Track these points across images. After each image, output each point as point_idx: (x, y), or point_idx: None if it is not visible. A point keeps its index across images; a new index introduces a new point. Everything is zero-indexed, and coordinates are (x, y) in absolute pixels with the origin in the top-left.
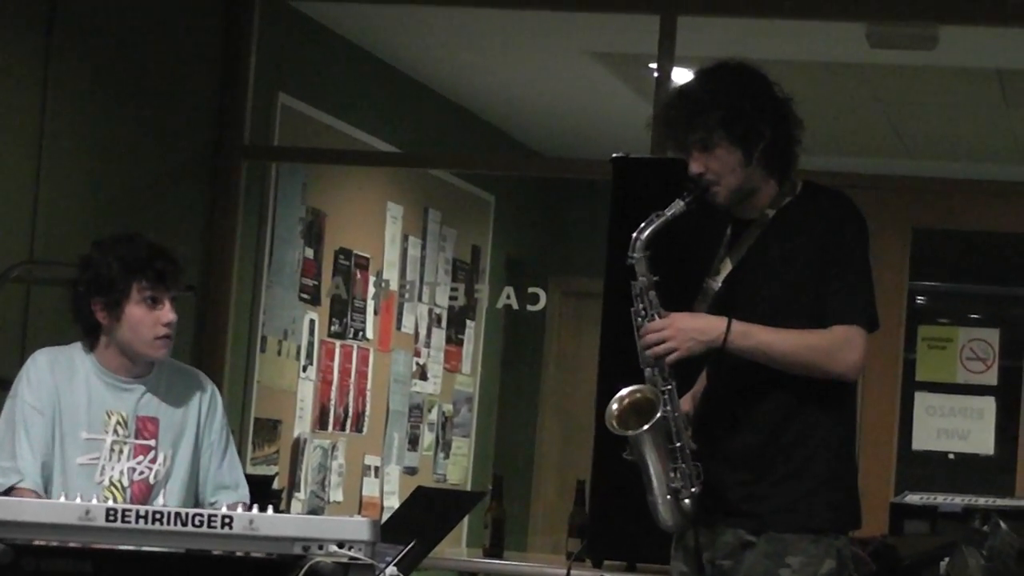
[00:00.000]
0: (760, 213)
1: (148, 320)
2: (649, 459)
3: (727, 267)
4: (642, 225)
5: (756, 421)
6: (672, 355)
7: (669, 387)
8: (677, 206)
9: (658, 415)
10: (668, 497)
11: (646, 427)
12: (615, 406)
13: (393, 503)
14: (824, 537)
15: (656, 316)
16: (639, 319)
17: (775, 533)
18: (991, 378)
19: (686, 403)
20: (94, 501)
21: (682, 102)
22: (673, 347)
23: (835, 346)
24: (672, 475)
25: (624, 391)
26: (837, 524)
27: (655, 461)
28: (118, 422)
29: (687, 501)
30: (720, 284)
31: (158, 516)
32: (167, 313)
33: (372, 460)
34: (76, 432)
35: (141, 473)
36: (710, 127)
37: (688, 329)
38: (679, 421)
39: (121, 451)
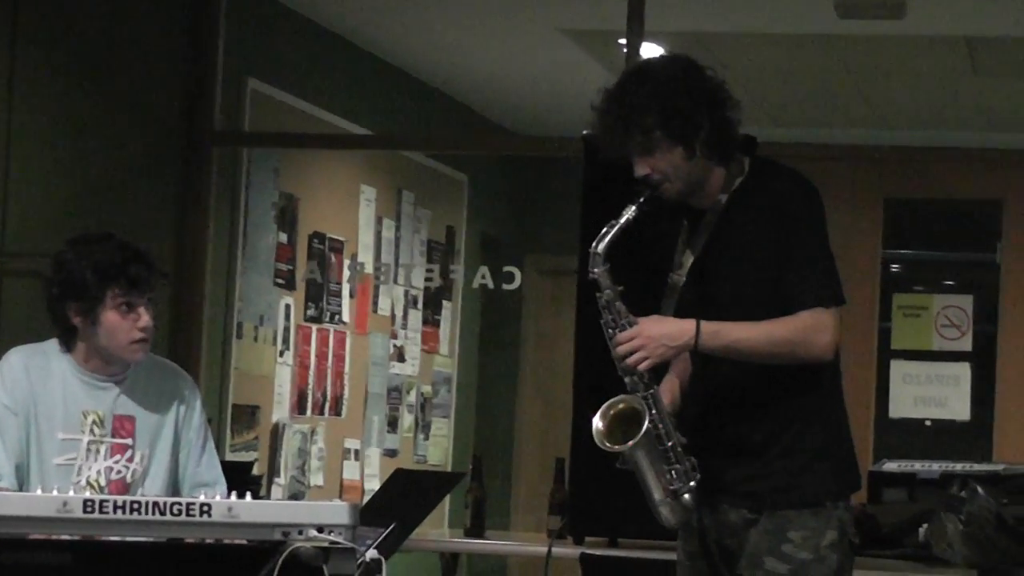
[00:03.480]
0: (713, 200)
1: (124, 326)
2: (644, 467)
3: (689, 259)
4: (599, 236)
5: (745, 407)
6: (644, 363)
7: (651, 391)
8: (630, 211)
9: (645, 426)
10: (668, 499)
11: (631, 443)
12: (600, 423)
13: (374, 486)
14: (823, 509)
15: (626, 325)
16: (609, 330)
17: (775, 510)
18: (966, 344)
19: (665, 395)
20: (71, 493)
21: (616, 108)
22: (645, 356)
23: (805, 332)
24: (669, 477)
25: (606, 404)
26: (834, 493)
27: (649, 468)
28: (94, 421)
29: (687, 496)
30: (685, 277)
31: (136, 506)
32: (143, 318)
33: (352, 443)
34: (52, 433)
35: (118, 472)
36: (647, 129)
37: (658, 336)
38: (666, 422)
39: (98, 451)
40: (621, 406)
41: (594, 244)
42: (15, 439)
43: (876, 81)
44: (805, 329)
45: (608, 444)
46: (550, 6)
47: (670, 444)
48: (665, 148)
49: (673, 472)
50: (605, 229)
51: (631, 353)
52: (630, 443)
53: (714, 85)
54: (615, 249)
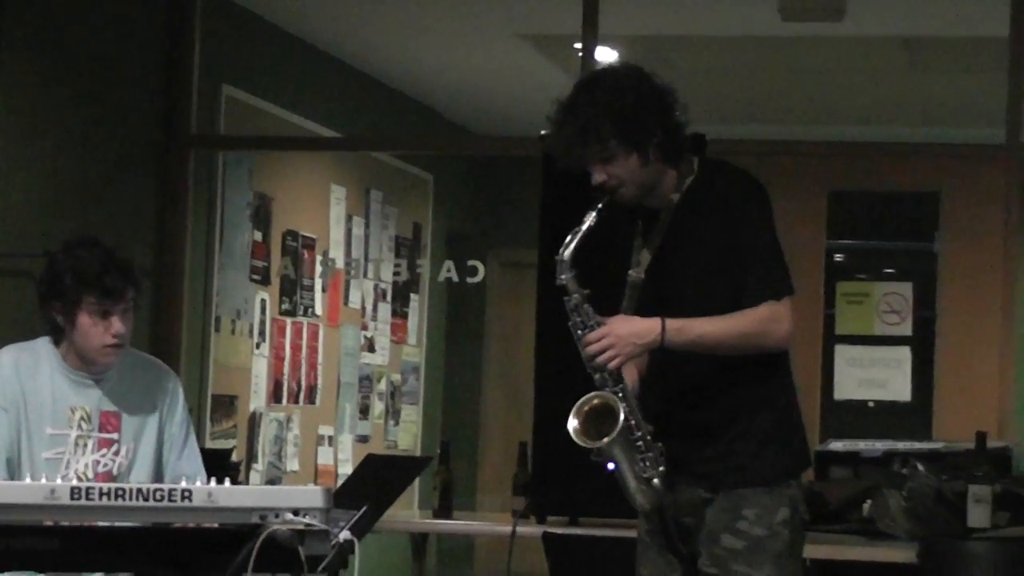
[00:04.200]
0: (666, 200)
1: (96, 331)
2: (619, 458)
3: (646, 257)
4: (564, 244)
5: (702, 394)
6: (614, 362)
7: (620, 385)
8: (591, 218)
9: (621, 421)
10: (642, 485)
11: (608, 439)
12: (575, 421)
13: (347, 470)
14: (776, 488)
15: (595, 326)
16: (579, 331)
17: (731, 490)
18: (906, 329)
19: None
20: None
21: (572, 119)
22: (615, 354)
23: (764, 324)
24: (642, 465)
25: (579, 402)
26: (786, 473)
27: (624, 459)
28: (82, 417)
29: (656, 481)
30: (643, 275)
31: (120, 493)
32: (115, 325)
33: (326, 430)
34: (41, 428)
35: (105, 465)
36: (604, 139)
37: (627, 335)
38: (636, 414)
39: (85, 445)
40: (596, 402)
41: (560, 252)
42: (5, 434)
43: (818, 80)
44: (764, 320)
45: (586, 441)
46: (509, 13)
47: (640, 434)
48: (621, 156)
49: (646, 461)
50: (569, 237)
51: (602, 352)
52: (606, 439)
53: (664, 91)
54: (579, 253)
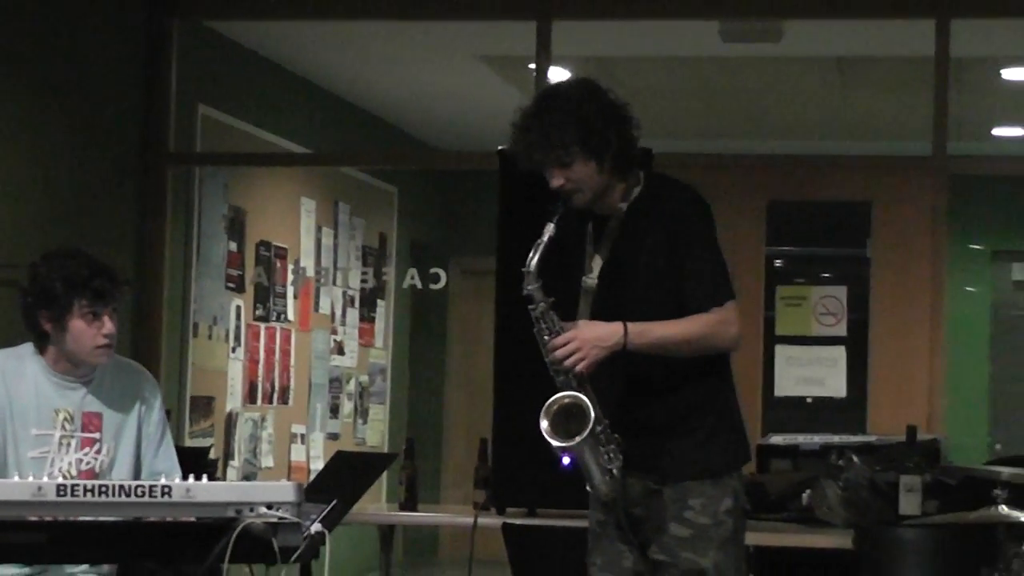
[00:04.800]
0: (614, 209)
1: (89, 332)
2: (585, 453)
3: (598, 263)
4: (529, 257)
5: (650, 393)
6: (582, 364)
7: (584, 386)
8: (550, 229)
9: (592, 420)
10: (605, 476)
11: (580, 438)
12: (545, 421)
13: (319, 466)
14: (720, 479)
15: (559, 331)
16: (544, 336)
17: (678, 482)
18: (841, 330)
19: None
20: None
21: (537, 125)
22: (581, 357)
23: (716, 327)
24: (606, 458)
25: (548, 402)
26: (729, 466)
27: (590, 453)
28: (65, 418)
29: (615, 471)
30: (596, 280)
31: (103, 489)
32: (106, 325)
33: (298, 428)
34: (27, 429)
35: (87, 463)
36: (566, 145)
37: (592, 339)
38: (599, 412)
39: (69, 444)
40: (566, 401)
41: (527, 263)
42: None
43: (757, 97)
44: (716, 324)
45: (558, 440)
46: (467, 36)
47: (600, 429)
48: (581, 162)
49: (608, 453)
50: (532, 251)
51: (569, 355)
52: (579, 438)
53: (619, 105)
54: (543, 264)
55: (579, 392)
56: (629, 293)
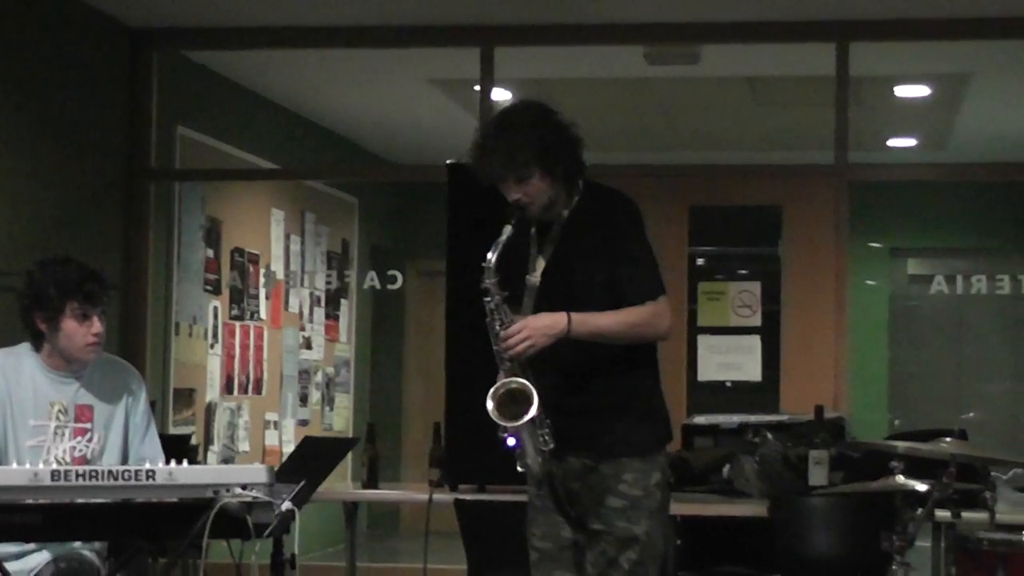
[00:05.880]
0: (558, 215)
1: (80, 332)
2: (524, 434)
3: (541, 264)
4: (488, 256)
5: (585, 380)
6: (532, 350)
7: (527, 373)
8: (507, 231)
9: (535, 404)
10: (539, 457)
11: (527, 418)
12: (492, 404)
13: (290, 449)
14: (649, 456)
15: (511, 323)
16: (496, 326)
17: (612, 459)
18: (756, 321)
19: None
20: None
21: (497, 144)
22: (531, 344)
23: (652, 318)
24: (542, 439)
25: (494, 387)
26: (657, 444)
27: (527, 435)
28: (60, 410)
29: (546, 452)
30: (539, 278)
31: (94, 474)
32: (96, 325)
33: (271, 416)
34: (25, 420)
35: (80, 451)
36: (527, 163)
37: (541, 328)
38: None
39: (63, 434)
40: (513, 386)
41: (486, 260)
42: None
43: (678, 113)
44: (651, 315)
45: (504, 421)
46: (418, 61)
47: (537, 413)
48: (537, 178)
49: (544, 436)
50: (492, 249)
51: (520, 342)
52: (524, 419)
53: (570, 126)
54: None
55: (524, 377)
56: (569, 290)
